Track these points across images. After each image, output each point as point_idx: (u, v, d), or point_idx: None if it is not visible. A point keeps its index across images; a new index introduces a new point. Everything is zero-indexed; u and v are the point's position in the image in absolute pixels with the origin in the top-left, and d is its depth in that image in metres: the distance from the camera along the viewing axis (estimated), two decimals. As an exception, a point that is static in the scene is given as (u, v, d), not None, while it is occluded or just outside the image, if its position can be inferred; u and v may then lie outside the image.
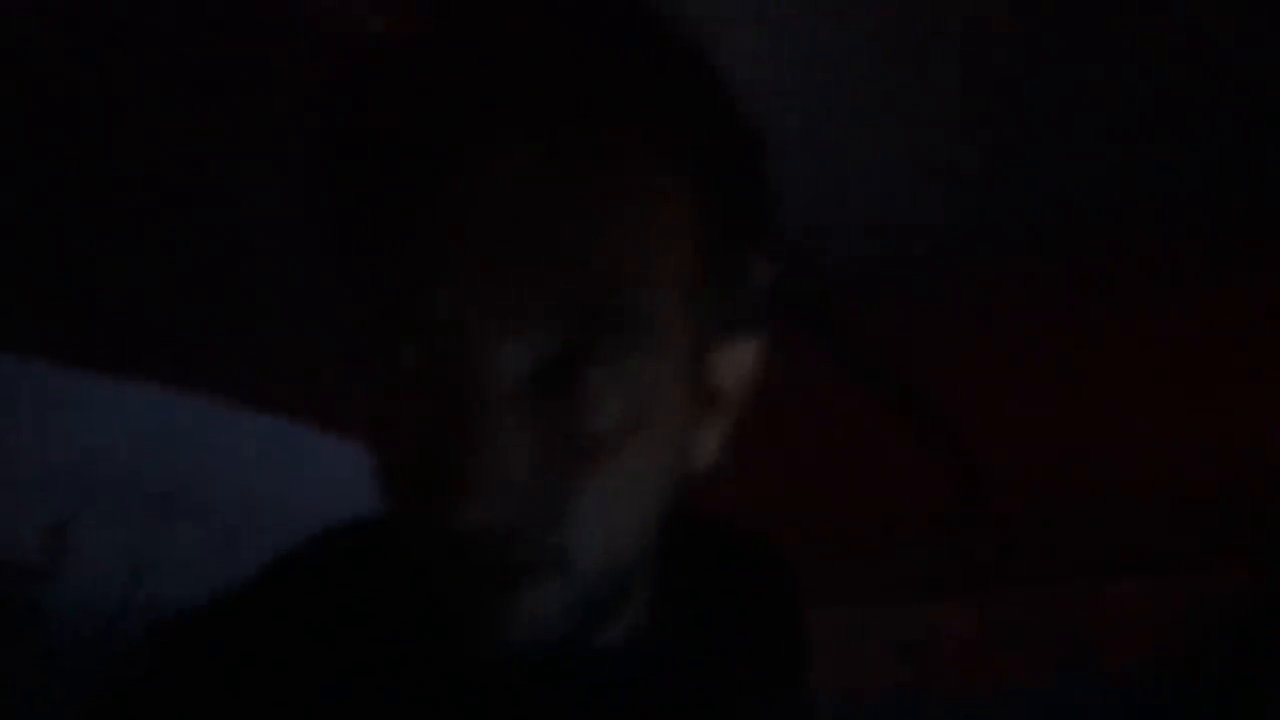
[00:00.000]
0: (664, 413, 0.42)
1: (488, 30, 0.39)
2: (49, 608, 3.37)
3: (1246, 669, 1.71)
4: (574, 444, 0.40)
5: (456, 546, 0.39)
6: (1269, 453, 1.33)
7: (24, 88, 0.75)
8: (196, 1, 0.67)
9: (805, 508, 1.72)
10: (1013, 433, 1.52)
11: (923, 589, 1.99)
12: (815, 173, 1.01)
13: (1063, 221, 1.05)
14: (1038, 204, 1.04)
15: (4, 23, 0.67)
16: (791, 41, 0.81)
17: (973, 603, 2.02)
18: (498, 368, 0.38)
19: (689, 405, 0.45)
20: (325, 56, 0.46)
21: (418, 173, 0.38)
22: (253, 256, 1.03)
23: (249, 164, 0.87)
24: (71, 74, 0.74)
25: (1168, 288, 1.13)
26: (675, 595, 0.53)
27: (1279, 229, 1.00)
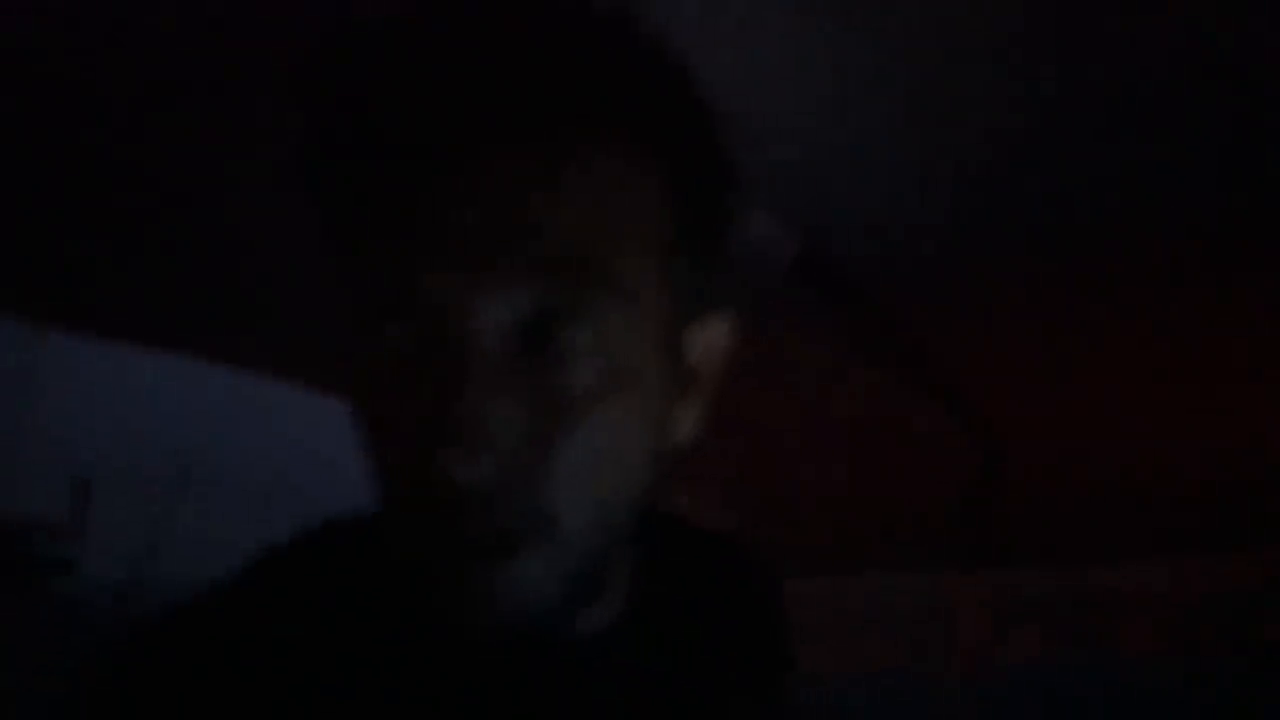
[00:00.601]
0: (642, 378, 0.43)
1: (473, 30, 0.41)
2: (77, 561, 3.47)
3: (1255, 652, 1.70)
4: (556, 403, 0.41)
5: (445, 513, 0.40)
6: (1271, 442, 1.32)
7: (39, 83, 0.77)
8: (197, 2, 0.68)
9: (825, 488, 1.73)
10: (1021, 425, 1.51)
11: (936, 568, 2.00)
12: (823, 174, 1.01)
13: (1067, 221, 1.04)
14: (1042, 204, 1.03)
15: (11, 22, 0.68)
16: (798, 46, 0.81)
17: (985, 583, 2.02)
18: (478, 327, 0.40)
19: (668, 380, 0.46)
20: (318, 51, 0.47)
21: (406, 171, 0.40)
22: (269, 229, 1.04)
23: (253, 149, 0.88)
24: (81, 68, 0.75)
25: (1171, 285, 1.12)
26: (653, 595, 0.54)
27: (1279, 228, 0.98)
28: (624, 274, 0.41)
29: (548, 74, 0.40)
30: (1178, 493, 1.42)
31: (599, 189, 0.41)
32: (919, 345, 1.38)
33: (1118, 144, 0.92)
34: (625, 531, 0.46)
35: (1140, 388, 1.29)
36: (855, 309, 1.31)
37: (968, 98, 0.89)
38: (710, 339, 0.50)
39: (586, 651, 0.48)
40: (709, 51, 0.47)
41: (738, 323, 0.51)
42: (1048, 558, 1.83)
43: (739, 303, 0.51)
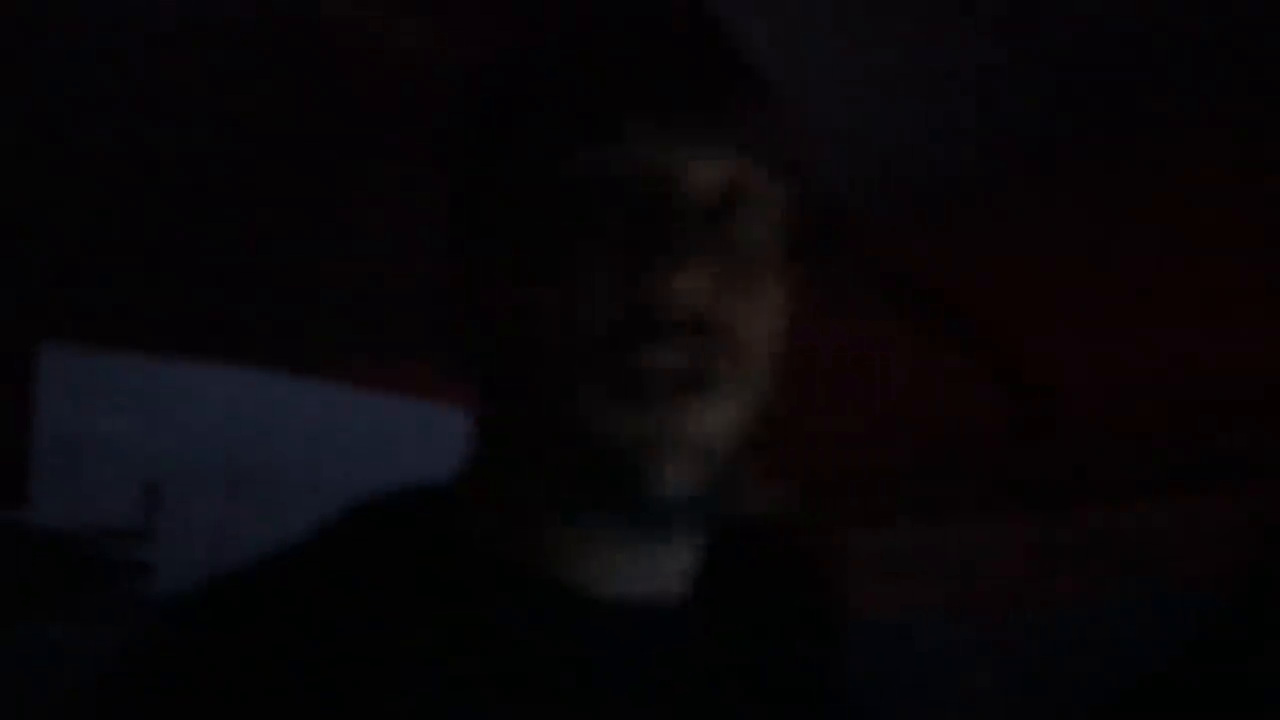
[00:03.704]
0: (780, 281, 0.50)
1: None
2: (151, 563, 3.59)
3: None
4: (736, 263, 0.47)
5: (662, 339, 0.44)
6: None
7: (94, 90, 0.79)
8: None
9: (859, 430, 1.71)
10: (1067, 350, 1.48)
11: (978, 509, 1.98)
12: (847, 100, 0.99)
13: (1091, 140, 1.01)
14: (1058, 127, 1.00)
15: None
16: None
17: (1028, 522, 2.00)
18: (689, 187, 0.47)
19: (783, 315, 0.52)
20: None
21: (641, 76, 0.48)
22: (322, 236, 1.06)
23: (307, 153, 0.89)
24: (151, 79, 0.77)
25: (1218, 181, 1.07)
26: (717, 569, 0.55)
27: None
28: (775, 171, 0.48)
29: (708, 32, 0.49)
30: (1225, 422, 1.38)
31: (758, 111, 0.49)
32: (944, 289, 1.36)
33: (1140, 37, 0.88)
34: (748, 449, 0.50)
35: (1184, 312, 1.25)
36: (870, 252, 1.30)
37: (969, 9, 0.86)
38: (793, 283, 0.55)
39: (661, 620, 0.49)
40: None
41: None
42: (1091, 495, 1.81)
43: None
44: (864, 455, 1.70)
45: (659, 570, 0.49)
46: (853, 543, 1.97)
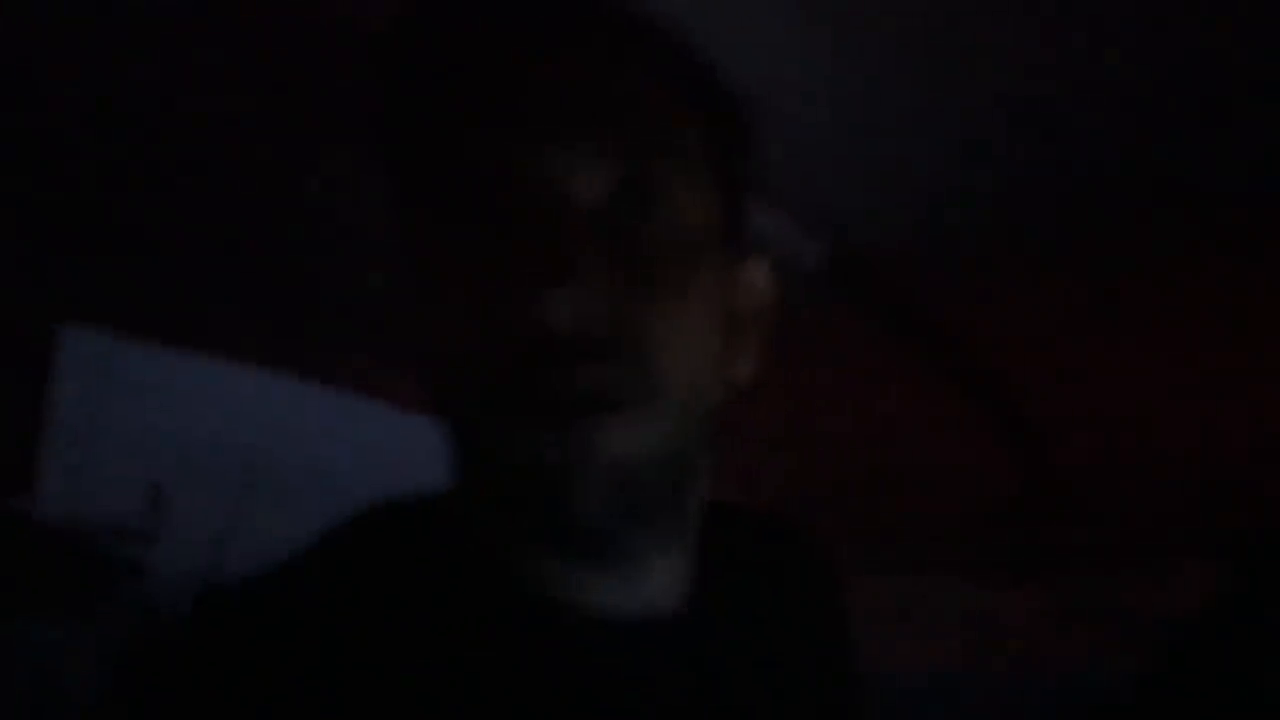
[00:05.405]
0: (712, 262, 0.48)
1: None
2: (150, 566, 3.59)
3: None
4: (646, 261, 0.45)
5: (552, 360, 0.42)
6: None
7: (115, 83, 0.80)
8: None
9: (877, 490, 1.72)
10: (1081, 413, 1.49)
11: (991, 571, 1.97)
12: (839, 168, 1.01)
13: (1099, 198, 1.02)
14: (1094, 165, 1.01)
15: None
16: (797, 36, 0.82)
17: (1040, 585, 1.99)
18: (575, 191, 0.45)
19: (723, 316, 0.50)
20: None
21: (513, 73, 0.46)
22: (330, 241, 1.08)
23: (321, 153, 0.91)
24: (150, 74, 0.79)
25: (1239, 251, 1.07)
26: (716, 574, 0.55)
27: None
28: (688, 164, 0.47)
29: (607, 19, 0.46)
30: (1236, 489, 1.37)
31: (659, 103, 0.46)
32: (959, 344, 1.36)
33: (1144, 108, 0.89)
34: (699, 450, 0.48)
35: (1194, 373, 1.25)
36: (893, 309, 1.30)
37: (979, 69, 0.87)
38: (752, 283, 0.54)
39: (657, 634, 0.50)
40: (706, 42, 0.50)
41: (771, 273, 0.56)
42: (1100, 561, 1.79)
43: (768, 257, 0.56)
44: (888, 514, 1.70)
45: (641, 584, 0.49)
46: (866, 594, 1.96)
